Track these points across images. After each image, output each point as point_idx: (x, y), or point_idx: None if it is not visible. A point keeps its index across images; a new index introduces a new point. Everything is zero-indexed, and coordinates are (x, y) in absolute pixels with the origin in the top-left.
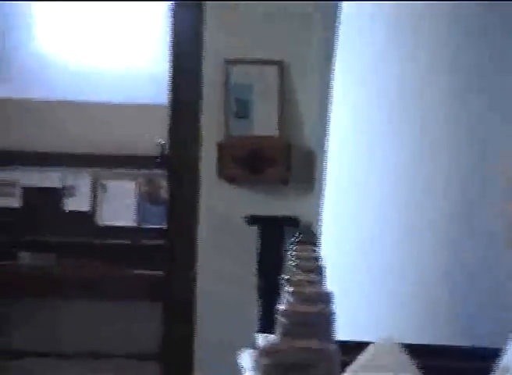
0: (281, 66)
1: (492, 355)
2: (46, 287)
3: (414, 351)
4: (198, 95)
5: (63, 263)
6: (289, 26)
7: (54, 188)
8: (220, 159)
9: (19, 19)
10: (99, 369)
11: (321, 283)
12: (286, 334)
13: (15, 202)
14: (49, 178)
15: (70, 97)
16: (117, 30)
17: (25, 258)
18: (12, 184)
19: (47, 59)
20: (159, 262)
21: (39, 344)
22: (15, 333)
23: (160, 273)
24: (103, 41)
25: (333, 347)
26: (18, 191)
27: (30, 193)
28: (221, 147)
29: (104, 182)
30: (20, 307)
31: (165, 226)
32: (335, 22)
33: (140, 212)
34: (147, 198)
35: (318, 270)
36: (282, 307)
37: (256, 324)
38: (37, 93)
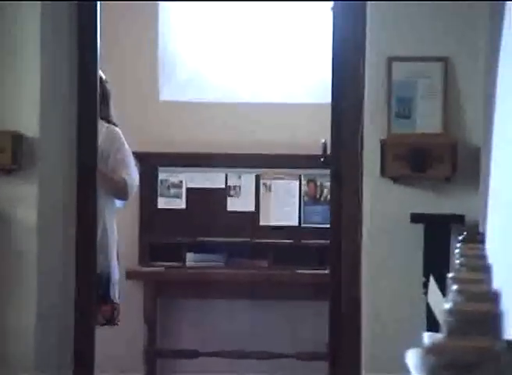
0: (445, 62)
1: None
2: (213, 288)
3: None
4: (361, 94)
5: (229, 264)
6: (453, 21)
7: (218, 189)
8: (383, 157)
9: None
10: (269, 369)
11: (487, 281)
12: (452, 333)
13: (181, 203)
14: (213, 179)
15: (234, 98)
16: (278, 30)
17: (191, 259)
18: (179, 186)
19: (207, 62)
20: (322, 261)
21: (210, 344)
22: (184, 333)
23: (323, 272)
24: (265, 43)
25: (501, 346)
26: (183, 192)
27: (194, 194)
28: (384, 145)
29: (267, 182)
30: (189, 308)
31: (328, 226)
32: (502, 15)
33: (303, 211)
34: (311, 197)
35: (485, 269)
36: (448, 305)
37: (423, 322)
38: (201, 95)
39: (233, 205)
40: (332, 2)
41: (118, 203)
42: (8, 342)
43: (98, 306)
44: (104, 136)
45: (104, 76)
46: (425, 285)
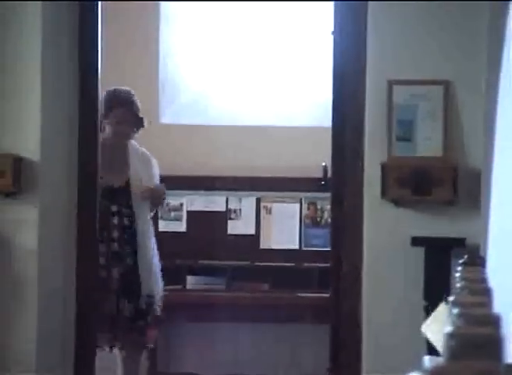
0: (446, 85)
1: None
2: (213, 311)
3: None
4: (361, 117)
5: (229, 287)
6: (453, 45)
7: (218, 212)
8: (384, 180)
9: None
10: None
11: (488, 304)
12: (453, 356)
13: (181, 227)
14: (214, 202)
15: (235, 122)
16: (279, 54)
17: (192, 282)
18: (179, 209)
19: (207, 86)
20: (323, 284)
21: (210, 368)
22: (185, 356)
23: (324, 295)
24: (266, 66)
25: (503, 369)
26: (184, 215)
27: (195, 217)
28: (384, 168)
29: (268, 205)
30: (190, 330)
31: (328, 249)
32: (502, 38)
33: (304, 234)
34: (311, 220)
35: (486, 292)
36: (449, 329)
37: (424, 345)
38: (201, 118)
39: (234, 228)
40: (332, 27)
41: None
42: (9, 367)
43: (148, 332)
44: (140, 157)
45: (139, 105)
46: (426, 308)
